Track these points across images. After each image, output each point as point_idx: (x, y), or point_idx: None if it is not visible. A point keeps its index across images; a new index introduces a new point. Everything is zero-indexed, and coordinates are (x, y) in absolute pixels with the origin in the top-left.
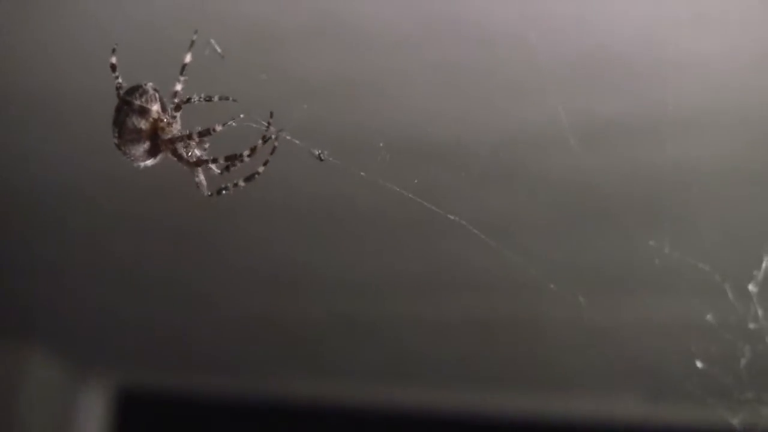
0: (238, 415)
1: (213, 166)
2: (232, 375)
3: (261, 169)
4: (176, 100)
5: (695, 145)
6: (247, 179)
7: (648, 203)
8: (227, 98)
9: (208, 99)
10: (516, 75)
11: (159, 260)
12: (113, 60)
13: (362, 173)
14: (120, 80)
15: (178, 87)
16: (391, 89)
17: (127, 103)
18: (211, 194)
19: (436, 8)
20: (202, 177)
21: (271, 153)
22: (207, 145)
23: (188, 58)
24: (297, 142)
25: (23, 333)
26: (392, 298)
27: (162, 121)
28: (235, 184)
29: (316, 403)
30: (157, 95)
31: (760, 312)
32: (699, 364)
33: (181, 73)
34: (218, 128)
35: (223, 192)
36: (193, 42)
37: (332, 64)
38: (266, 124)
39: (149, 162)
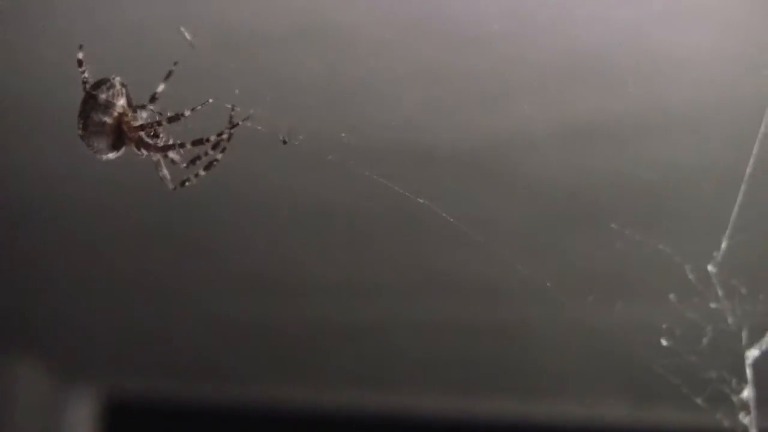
0: (229, 422)
1: (176, 157)
2: (222, 382)
3: (219, 156)
4: (151, 107)
5: (680, 145)
6: (207, 167)
7: (634, 204)
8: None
9: (178, 116)
10: (500, 77)
11: (147, 266)
12: (80, 56)
13: (351, 170)
14: (86, 75)
15: (159, 89)
16: (374, 92)
17: (93, 97)
18: (175, 187)
19: (419, 10)
20: (165, 171)
21: (228, 139)
22: (174, 137)
23: (161, 88)
24: (259, 128)
25: (9, 342)
26: (382, 302)
27: (127, 115)
28: (197, 174)
29: (308, 409)
30: (124, 90)
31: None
32: (664, 342)
33: (152, 100)
34: (187, 113)
35: (186, 183)
36: (170, 73)
37: (315, 67)
38: (231, 108)
39: (112, 155)
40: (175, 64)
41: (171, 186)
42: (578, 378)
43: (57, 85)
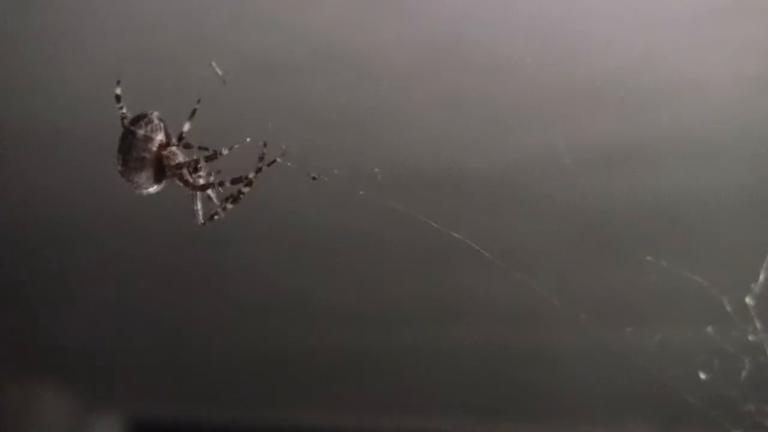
0: None
1: (213, 194)
2: (242, 406)
3: (246, 189)
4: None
5: (696, 169)
6: (233, 201)
7: (651, 228)
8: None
9: (216, 154)
10: (524, 103)
11: (170, 295)
12: (118, 91)
13: (361, 193)
14: (124, 110)
15: (185, 128)
16: (396, 119)
17: (132, 133)
18: (204, 222)
19: (436, 38)
20: (200, 206)
21: (258, 171)
22: (213, 172)
23: (187, 127)
24: (289, 164)
25: (33, 368)
26: (393, 327)
27: (165, 149)
28: (224, 208)
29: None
30: (162, 124)
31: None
32: (702, 376)
33: (179, 139)
34: (225, 152)
35: (215, 218)
36: (194, 111)
37: (335, 95)
38: (263, 145)
39: (153, 189)
40: (198, 102)
41: (201, 221)
42: (613, 410)
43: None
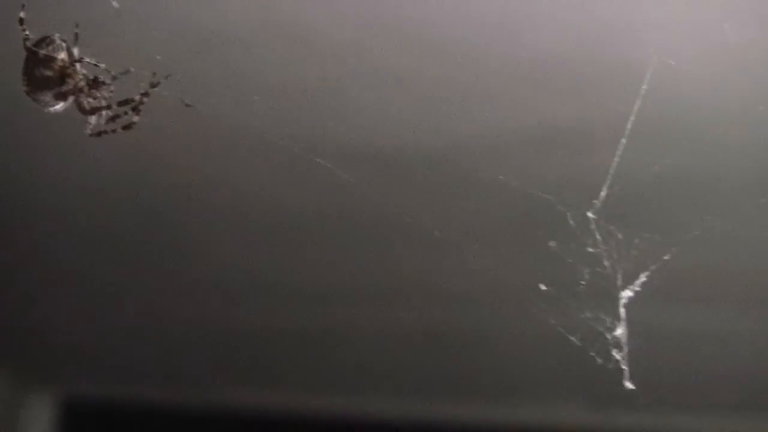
0: (188, 426)
1: (104, 113)
2: (182, 385)
3: (136, 118)
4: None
5: (644, 152)
6: (125, 128)
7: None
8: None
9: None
10: (466, 81)
11: (108, 269)
12: (22, 14)
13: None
14: (27, 32)
15: (76, 52)
16: (338, 94)
17: (34, 53)
18: (91, 134)
19: (383, 13)
20: (93, 119)
21: (141, 102)
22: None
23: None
24: (188, 102)
25: None
26: (349, 307)
27: (68, 68)
28: (114, 131)
29: (269, 415)
30: (64, 44)
31: None
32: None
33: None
34: (111, 78)
35: (102, 135)
36: (77, 35)
37: (278, 69)
38: (153, 74)
39: (59, 107)
40: (76, 26)
41: (89, 132)
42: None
43: None
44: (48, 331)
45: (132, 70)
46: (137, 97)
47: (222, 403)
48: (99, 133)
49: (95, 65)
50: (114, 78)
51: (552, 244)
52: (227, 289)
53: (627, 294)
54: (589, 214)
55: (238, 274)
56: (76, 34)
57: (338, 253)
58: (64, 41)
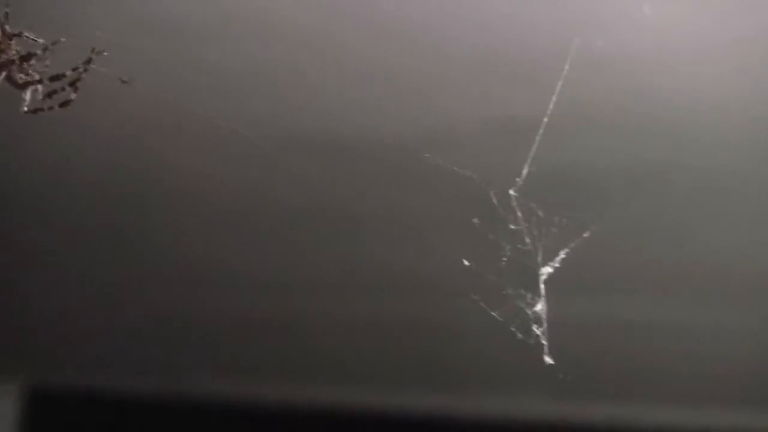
0: (154, 414)
1: (39, 89)
2: (147, 374)
3: (73, 95)
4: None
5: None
6: (63, 105)
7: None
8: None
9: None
10: (425, 71)
11: (69, 254)
12: None
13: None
14: None
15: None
16: (295, 81)
17: None
18: (28, 111)
19: (338, 1)
20: (29, 95)
21: (77, 78)
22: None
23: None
24: (124, 79)
25: None
26: (300, 297)
27: (1, 42)
28: (51, 108)
29: (229, 402)
30: None
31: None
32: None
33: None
34: (43, 50)
35: (38, 112)
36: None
37: (239, 56)
38: (92, 50)
39: None
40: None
41: (24, 109)
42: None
43: None
44: (12, 319)
45: (63, 40)
46: (69, 73)
47: (192, 392)
48: (35, 110)
49: (34, 40)
50: (46, 50)
51: (475, 221)
52: (194, 277)
53: (547, 270)
54: (511, 192)
55: (204, 263)
56: (7, 13)
57: (295, 242)
58: None
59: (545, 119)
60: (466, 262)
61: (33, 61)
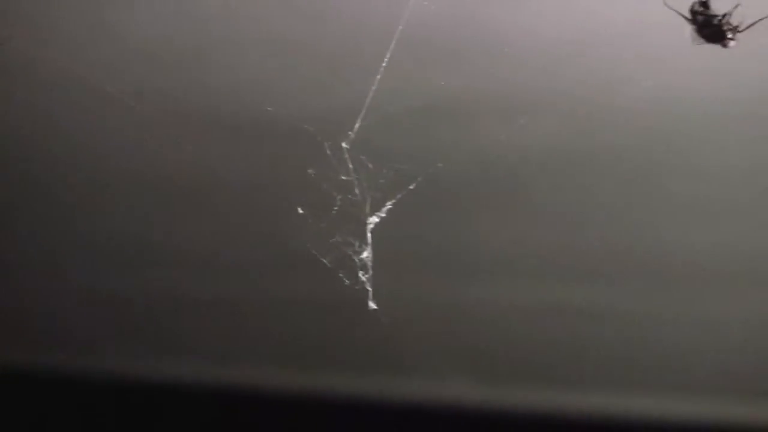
0: (85, 393)
1: None
2: (71, 352)
3: None
4: None
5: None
6: None
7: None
8: None
9: None
10: (349, 50)
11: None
12: None
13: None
14: None
15: None
16: (219, 59)
17: None
18: None
19: None
20: None
21: None
22: None
23: None
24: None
25: None
26: (228, 276)
27: None
28: None
29: (163, 382)
30: None
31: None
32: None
33: None
34: None
35: None
36: None
37: (157, 29)
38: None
39: None
40: None
41: None
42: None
43: None
44: None
45: None
46: None
47: (124, 371)
48: None
49: None
50: None
51: (311, 171)
52: (117, 254)
53: (374, 220)
54: (344, 145)
55: (127, 241)
56: None
57: (228, 220)
58: None
59: (378, 77)
60: (300, 210)
61: None
